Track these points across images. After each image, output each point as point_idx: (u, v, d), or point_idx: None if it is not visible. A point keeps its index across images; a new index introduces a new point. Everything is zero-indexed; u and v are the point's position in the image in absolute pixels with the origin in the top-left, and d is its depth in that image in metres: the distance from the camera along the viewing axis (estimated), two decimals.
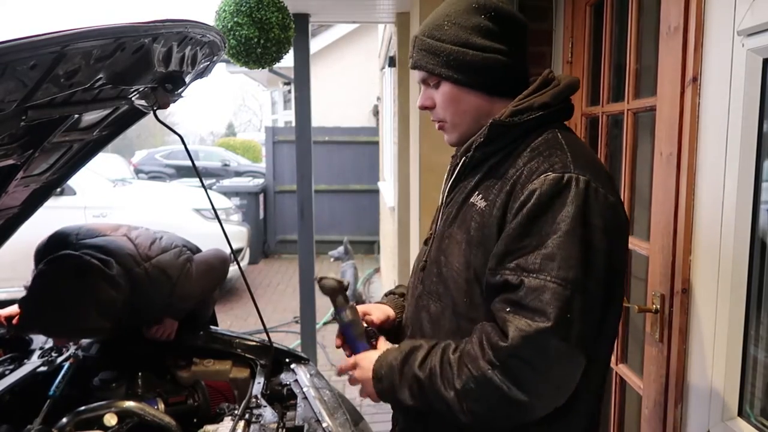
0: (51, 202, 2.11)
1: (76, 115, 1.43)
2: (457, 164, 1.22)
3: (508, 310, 1.00)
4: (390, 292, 1.48)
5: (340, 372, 1.25)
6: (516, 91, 1.15)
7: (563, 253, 0.97)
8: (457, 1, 1.15)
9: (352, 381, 1.23)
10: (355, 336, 1.24)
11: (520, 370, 0.98)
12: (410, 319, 1.28)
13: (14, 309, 2.17)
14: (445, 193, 1.25)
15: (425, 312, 1.21)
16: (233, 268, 2.67)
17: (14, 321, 2.14)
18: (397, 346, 1.18)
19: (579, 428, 1.13)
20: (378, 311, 1.34)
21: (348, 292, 1.31)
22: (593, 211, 1.00)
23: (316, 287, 1.36)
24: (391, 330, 1.34)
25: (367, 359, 1.19)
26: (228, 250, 2.02)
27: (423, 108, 1.22)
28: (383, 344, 1.24)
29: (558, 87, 1.14)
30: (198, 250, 2.24)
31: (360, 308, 1.31)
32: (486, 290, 1.07)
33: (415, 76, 1.22)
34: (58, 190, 2.18)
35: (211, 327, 2.20)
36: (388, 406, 1.25)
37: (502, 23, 1.13)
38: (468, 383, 1.01)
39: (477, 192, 1.14)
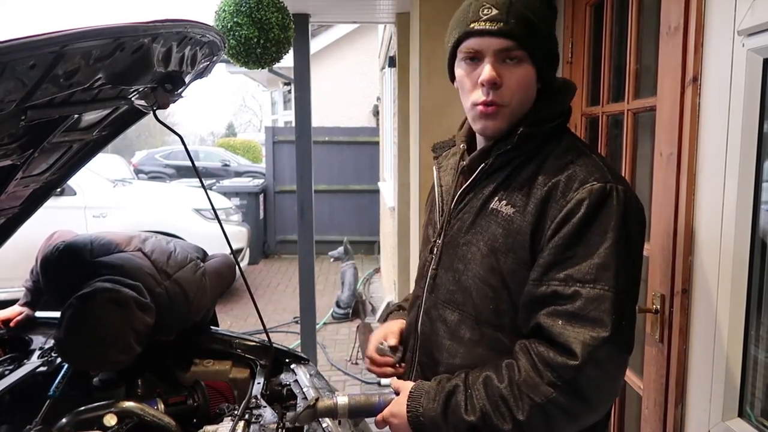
0: (51, 202, 2.11)
1: (76, 115, 1.43)
2: (462, 169, 1.20)
3: (561, 323, 0.98)
4: (396, 308, 1.47)
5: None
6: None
7: (616, 262, 0.98)
8: None
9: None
10: (366, 406, 1.17)
11: (587, 386, 0.97)
12: (418, 329, 1.24)
13: (13, 311, 2.18)
14: (453, 199, 1.21)
15: (441, 322, 1.18)
16: (236, 270, 2.66)
17: (12, 323, 2.14)
18: (425, 390, 1.10)
19: (602, 424, 1.14)
20: (392, 332, 1.34)
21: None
22: (632, 220, 1.02)
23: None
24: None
25: (399, 411, 1.11)
26: (228, 251, 2.02)
27: (493, 83, 1.06)
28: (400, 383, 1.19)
29: (569, 92, 1.16)
30: (205, 254, 2.25)
31: (378, 336, 1.33)
32: (527, 301, 1.05)
33: (486, 43, 1.06)
34: (58, 190, 2.17)
35: (211, 327, 2.20)
36: None
37: (554, 15, 1.16)
38: (533, 413, 0.98)
39: (497, 198, 1.12)
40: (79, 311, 1.64)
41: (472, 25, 1.07)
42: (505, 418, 0.99)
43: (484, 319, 1.11)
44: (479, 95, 1.09)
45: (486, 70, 1.06)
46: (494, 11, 1.05)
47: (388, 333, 1.34)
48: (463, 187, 1.19)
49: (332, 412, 1.17)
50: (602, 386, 0.99)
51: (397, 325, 1.36)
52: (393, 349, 1.30)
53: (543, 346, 1.00)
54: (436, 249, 1.23)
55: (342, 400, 1.17)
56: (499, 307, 1.10)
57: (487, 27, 1.05)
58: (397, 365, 1.29)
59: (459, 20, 1.11)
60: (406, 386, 1.13)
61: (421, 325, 1.23)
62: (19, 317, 2.17)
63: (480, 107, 1.09)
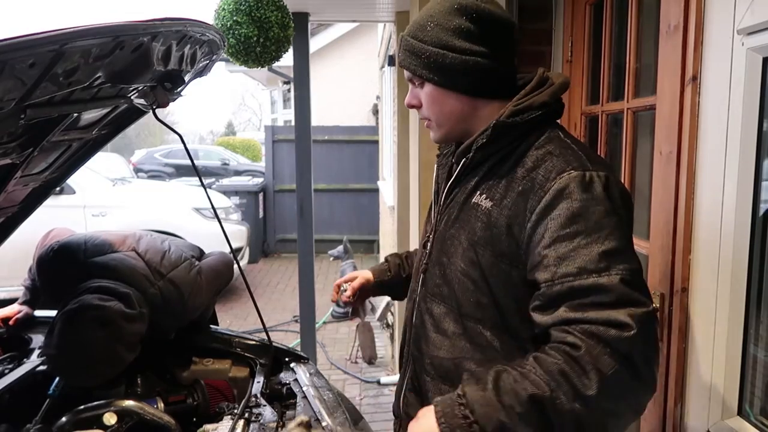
0: (50, 201, 2.11)
1: (75, 114, 1.42)
2: (452, 165, 1.22)
3: (593, 311, 0.94)
4: (392, 255, 1.63)
5: None
6: (502, 92, 1.15)
7: (619, 245, 0.99)
8: (441, 1, 1.14)
9: None
10: None
11: (640, 359, 0.92)
12: (411, 322, 1.27)
13: (12, 309, 2.18)
14: (443, 195, 1.24)
15: (428, 315, 1.21)
16: (234, 268, 2.67)
17: (11, 322, 2.14)
18: (454, 393, 0.99)
19: None
20: (357, 279, 1.59)
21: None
22: (618, 203, 1.02)
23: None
24: (374, 287, 1.57)
25: (422, 428, 0.99)
26: (228, 250, 2.02)
27: (410, 106, 1.23)
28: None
29: (553, 86, 1.15)
30: (202, 253, 2.24)
31: (343, 279, 1.57)
32: (543, 304, 1.01)
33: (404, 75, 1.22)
34: (58, 189, 2.17)
35: (211, 326, 2.20)
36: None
37: (484, 25, 1.11)
38: (602, 386, 0.90)
39: (479, 192, 1.13)
40: (66, 330, 1.64)
41: None
42: (570, 395, 0.90)
43: (465, 312, 1.13)
44: None
45: (406, 97, 1.24)
46: (397, 47, 1.24)
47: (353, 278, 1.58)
48: (450, 181, 1.22)
49: None
50: (650, 357, 0.95)
51: (360, 280, 1.60)
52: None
53: (587, 326, 0.93)
54: (428, 244, 1.26)
55: None
56: (480, 301, 1.11)
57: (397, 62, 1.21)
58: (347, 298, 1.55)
59: None
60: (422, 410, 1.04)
61: (414, 318, 1.26)
62: (18, 315, 2.17)
63: (424, 121, 1.24)
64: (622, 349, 0.91)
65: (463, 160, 1.18)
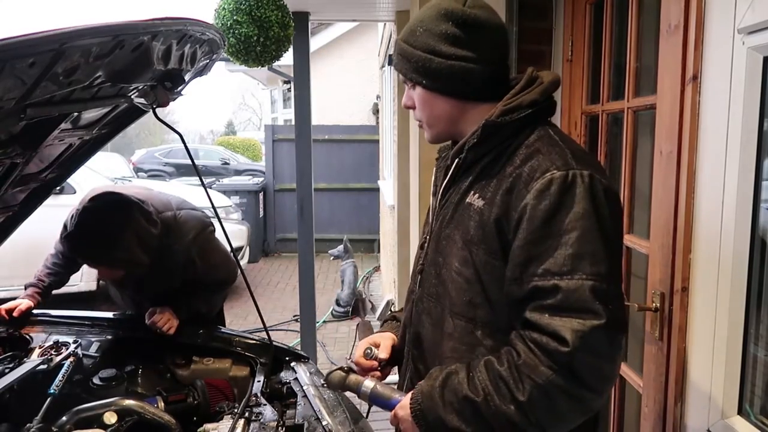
0: (50, 201, 2.11)
1: (76, 113, 1.42)
2: (449, 166, 1.22)
3: (548, 315, 0.98)
4: (390, 318, 1.48)
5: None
6: (492, 94, 1.16)
7: (590, 249, 0.99)
8: (431, 6, 1.16)
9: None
10: (386, 398, 1.20)
11: (584, 371, 0.97)
12: (410, 322, 1.28)
13: (15, 303, 2.17)
14: (439, 196, 1.25)
15: (426, 315, 1.21)
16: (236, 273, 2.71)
17: (15, 313, 2.14)
18: (429, 376, 1.12)
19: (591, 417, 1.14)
20: (384, 340, 1.35)
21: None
22: (602, 203, 1.02)
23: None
24: (399, 355, 1.35)
25: (404, 404, 1.14)
26: (229, 250, 2.03)
27: (406, 107, 1.26)
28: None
29: (543, 84, 1.15)
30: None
31: (368, 340, 1.35)
32: (512, 302, 1.06)
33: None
34: (58, 188, 2.17)
35: (214, 326, 2.20)
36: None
37: (471, 30, 1.12)
38: (534, 394, 0.98)
39: (472, 192, 1.14)
40: (87, 210, 1.85)
41: None
42: (506, 399, 0.99)
43: (458, 312, 1.14)
44: None
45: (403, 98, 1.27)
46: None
47: (376, 341, 1.35)
48: (445, 182, 1.23)
49: (356, 390, 1.21)
50: (599, 369, 0.98)
51: (384, 338, 1.37)
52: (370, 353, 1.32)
53: (536, 334, 0.99)
54: (426, 245, 1.27)
55: (369, 383, 1.21)
56: (473, 300, 1.12)
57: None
58: (379, 369, 1.31)
59: None
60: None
61: (412, 318, 1.27)
62: (21, 307, 2.16)
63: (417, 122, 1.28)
64: (560, 361, 0.96)
65: (456, 161, 1.19)
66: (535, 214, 1.01)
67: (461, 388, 1.04)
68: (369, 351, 1.31)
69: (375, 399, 1.20)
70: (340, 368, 1.23)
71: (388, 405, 1.19)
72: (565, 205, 1.00)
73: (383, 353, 1.32)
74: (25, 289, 2.26)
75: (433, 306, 1.19)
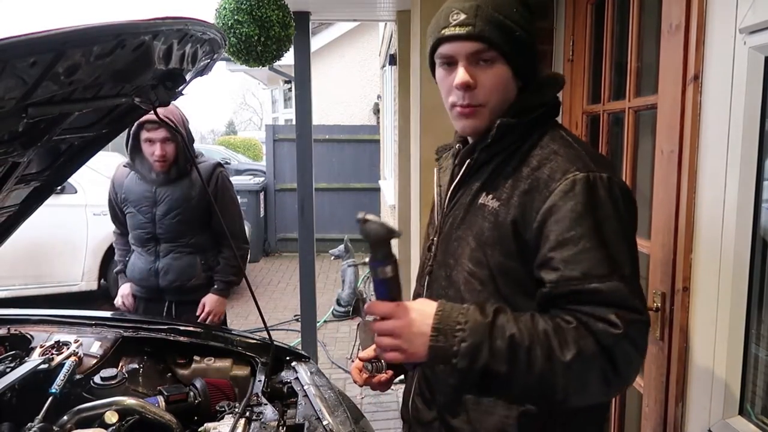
0: (51, 200, 2.10)
1: (77, 113, 1.42)
2: (455, 166, 1.21)
3: (587, 307, 0.98)
4: None
5: (367, 313, 1.08)
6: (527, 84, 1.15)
7: (618, 249, 1.00)
8: None
9: (379, 331, 1.05)
10: (395, 297, 1.06)
11: (621, 357, 0.96)
12: None
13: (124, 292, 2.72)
14: (446, 197, 1.24)
15: None
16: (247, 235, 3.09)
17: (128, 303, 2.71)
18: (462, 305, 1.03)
19: (601, 414, 1.15)
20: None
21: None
22: (621, 205, 1.03)
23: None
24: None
25: (418, 309, 1.03)
26: None
27: (466, 86, 1.09)
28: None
29: (552, 84, 1.16)
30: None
31: (364, 355, 1.30)
32: (544, 303, 1.04)
33: (454, 48, 1.09)
34: (59, 188, 2.18)
35: (215, 326, 2.21)
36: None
37: (532, 14, 1.14)
38: (576, 360, 0.95)
39: (485, 192, 1.13)
40: None
41: (443, 31, 1.10)
42: (554, 352, 0.96)
43: None
44: (456, 98, 1.12)
45: (459, 75, 1.09)
46: (462, 16, 1.08)
47: (370, 355, 1.31)
48: (454, 183, 1.21)
49: (386, 260, 1.07)
50: (632, 360, 0.99)
51: None
52: (373, 365, 1.28)
53: (581, 314, 0.97)
54: (433, 247, 1.25)
55: (394, 266, 1.06)
56: (487, 301, 1.09)
57: (457, 32, 1.08)
58: (377, 373, 1.29)
59: (432, 27, 1.14)
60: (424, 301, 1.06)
61: None
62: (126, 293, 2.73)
63: (458, 109, 1.13)
64: (604, 342, 0.95)
65: (468, 161, 1.17)
66: (563, 215, 1.00)
67: (507, 327, 0.98)
68: (369, 366, 1.28)
69: (385, 288, 1.06)
70: (387, 229, 1.05)
71: (387, 295, 1.05)
72: (591, 206, 1.00)
73: (365, 353, 1.30)
74: (118, 275, 2.80)
75: None
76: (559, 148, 1.08)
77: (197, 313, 2.64)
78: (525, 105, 1.11)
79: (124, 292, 2.74)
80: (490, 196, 1.11)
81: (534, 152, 1.09)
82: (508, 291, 1.09)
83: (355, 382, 1.33)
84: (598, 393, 1.01)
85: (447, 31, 1.09)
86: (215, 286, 2.68)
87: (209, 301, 2.65)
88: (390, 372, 1.31)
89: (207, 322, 2.61)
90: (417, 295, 1.29)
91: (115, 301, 2.77)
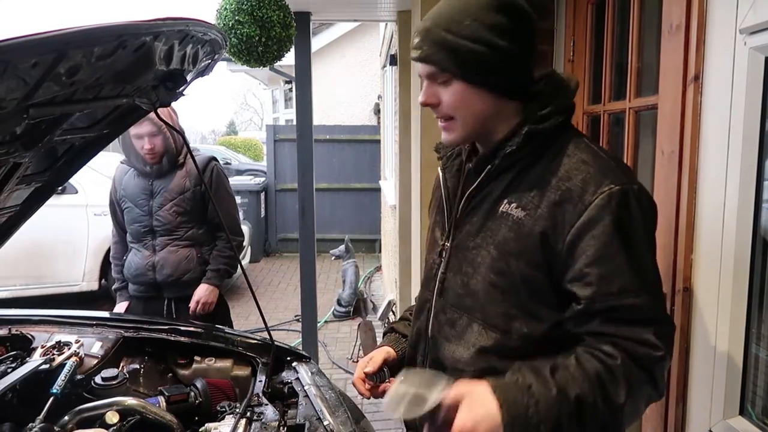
0: (52, 201, 2.10)
1: (78, 114, 1.43)
2: (464, 171, 1.20)
3: (624, 327, 1.01)
4: (389, 330, 1.45)
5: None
6: (523, 92, 1.11)
7: (647, 261, 1.04)
8: None
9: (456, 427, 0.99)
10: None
11: (660, 373, 1.03)
12: (428, 333, 1.23)
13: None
14: (459, 202, 1.20)
15: (448, 326, 1.18)
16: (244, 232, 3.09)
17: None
18: (509, 376, 1.03)
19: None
20: (377, 355, 1.34)
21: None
22: (649, 217, 1.06)
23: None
24: (392, 367, 1.33)
25: (476, 407, 0.99)
26: None
27: (426, 105, 1.14)
28: (396, 385, 1.10)
29: (569, 89, 1.14)
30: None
31: (364, 361, 1.33)
32: (579, 317, 1.05)
33: (419, 68, 1.13)
34: (60, 188, 2.18)
35: (218, 327, 2.21)
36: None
37: (519, 22, 1.07)
38: (630, 395, 1.00)
39: (507, 200, 1.10)
40: None
41: (411, 53, 1.14)
42: (606, 398, 0.99)
43: (492, 324, 1.11)
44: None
45: (420, 94, 1.14)
46: (416, 39, 1.10)
47: (371, 360, 1.32)
48: (470, 189, 1.18)
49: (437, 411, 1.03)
50: (665, 370, 1.04)
51: (381, 354, 1.34)
52: (377, 376, 1.30)
53: (619, 341, 1.01)
54: (444, 252, 1.22)
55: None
56: (508, 312, 1.09)
57: (412, 54, 1.12)
58: (379, 383, 1.30)
59: None
60: (473, 388, 1.02)
61: (431, 329, 1.23)
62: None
63: (439, 122, 1.16)
64: (647, 366, 1.00)
65: (488, 167, 1.14)
66: (600, 230, 1.01)
67: (571, 387, 0.99)
68: (375, 378, 1.29)
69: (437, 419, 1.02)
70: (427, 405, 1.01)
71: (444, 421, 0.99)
72: (626, 221, 1.01)
73: (370, 367, 1.30)
74: (117, 293, 2.83)
75: (459, 317, 1.16)
76: (588, 157, 1.07)
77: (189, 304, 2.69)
78: (546, 112, 1.09)
79: (120, 311, 2.77)
80: (513, 205, 1.09)
81: (561, 160, 1.07)
82: (531, 301, 1.08)
83: (362, 395, 1.32)
84: (641, 412, 1.07)
85: (411, 53, 1.14)
86: (206, 275, 2.72)
87: (198, 289, 2.68)
88: (392, 379, 1.30)
89: (197, 311, 2.65)
90: (425, 301, 1.27)
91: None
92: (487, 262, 1.11)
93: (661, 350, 1.00)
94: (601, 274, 1.01)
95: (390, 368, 1.33)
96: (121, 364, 1.91)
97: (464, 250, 1.16)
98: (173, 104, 2.57)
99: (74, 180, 5.31)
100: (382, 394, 1.32)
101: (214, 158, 2.79)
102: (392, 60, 4.94)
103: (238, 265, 1.93)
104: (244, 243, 6.61)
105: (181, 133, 2.44)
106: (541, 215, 1.05)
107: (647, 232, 1.05)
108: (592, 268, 1.01)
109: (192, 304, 2.67)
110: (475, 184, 1.17)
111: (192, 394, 1.76)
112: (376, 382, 1.29)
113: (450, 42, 1.06)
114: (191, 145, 2.77)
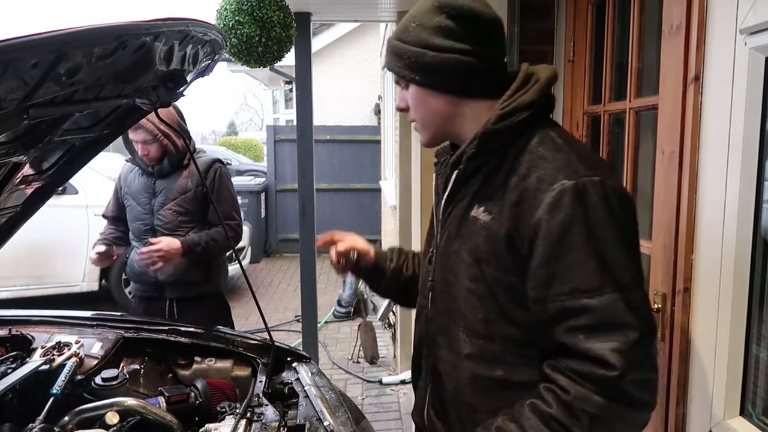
0: (53, 201, 2.11)
1: (78, 114, 1.43)
2: (448, 178, 1.18)
3: (583, 337, 0.96)
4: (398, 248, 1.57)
5: None
6: (489, 90, 1.11)
7: (613, 259, 0.96)
8: (424, 1, 1.11)
9: None
10: None
11: (634, 388, 0.95)
12: (425, 342, 1.24)
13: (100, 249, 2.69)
14: (441, 209, 1.21)
15: (441, 334, 1.18)
16: (235, 267, 2.94)
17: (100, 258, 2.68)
18: None
19: None
20: (361, 243, 1.53)
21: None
22: (616, 209, 0.98)
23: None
24: (366, 269, 1.51)
25: None
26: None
27: (399, 110, 1.21)
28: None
29: (540, 82, 1.10)
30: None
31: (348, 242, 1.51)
32: (539, 321, 1.02)
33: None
34: (60, 188, 2.18)
35: (219, 327, 2.21)
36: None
37: (466, 22, 1.07)
38: (593, 426, 0.95)
39: (476, 205, 1.10)
40: None
41: None
42: None
43: (473, 330, 1.10)
44: None
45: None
46: (384, 50, 1.17)
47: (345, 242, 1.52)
48: (446, 195, 1.18)
49: None
50: (646, 382, 0.96)
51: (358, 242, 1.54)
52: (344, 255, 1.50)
53: (576, 363, 0.96)
54: (433, 258, 1.23)
55: None
56: (488, 317, 1.08)
57: (382, 65, 1.18)
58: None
59: None
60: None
61: (428, 336, 1.23)
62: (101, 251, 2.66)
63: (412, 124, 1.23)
64: (609, 386, 0.94)
65: (456, 173, 1.14)
66: (550, 230, 0.97)
67: None
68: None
69: None
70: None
71: None
72: (581, 218, 0.96)
73: (342, 246, 1.51)
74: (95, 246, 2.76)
75: (446, 324, 1.16)
76: (547, 152, 1.03)
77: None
78: (508, 109, 1.06)
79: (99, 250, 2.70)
80: (482, 209, 1.08)
81: (522, 158, 1.05)
82: (510, 305, 1.06)
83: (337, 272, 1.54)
84: (631, 429, 1.01)
85: None
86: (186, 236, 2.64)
87: (165, 238, 2.56)
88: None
89: (147, 259, 2.52)
90: (422, 308, 1.27)
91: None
92: (463, 268, 1.10)
93: (615, 369, 0.92)
94: (551, 273, 0.97)
95: (362, 262, 1.51)
96: (122, 365, 1.91)
97: (446, 256, 1.16)
98: (179, 106, 2.60)
99: (74, 180, 5.31)
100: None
101: (218, 160, 2.79)
102: None
103: (238, 265, 1.92)
104: (245, 244, 6.62)
105: (185, 136, 2.44)
106: (505, 217, 1.03)
107: (616, 225, 0.97)
108: (543, 268, 0.98)
109: (144, 248, 2.54)
110: (448, 190, 1.17)
111: (192, 394, 1.76)
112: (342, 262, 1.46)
113: (399, 48, 1.12)
114: (195, 145, 2.78)
